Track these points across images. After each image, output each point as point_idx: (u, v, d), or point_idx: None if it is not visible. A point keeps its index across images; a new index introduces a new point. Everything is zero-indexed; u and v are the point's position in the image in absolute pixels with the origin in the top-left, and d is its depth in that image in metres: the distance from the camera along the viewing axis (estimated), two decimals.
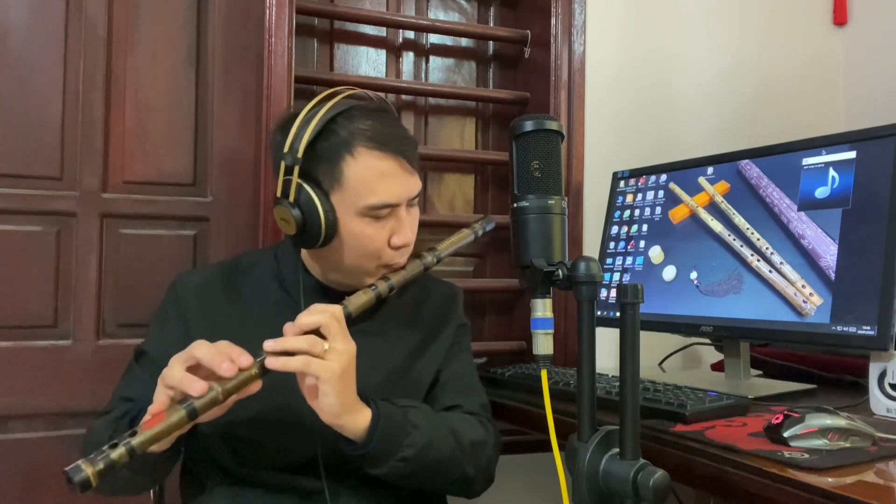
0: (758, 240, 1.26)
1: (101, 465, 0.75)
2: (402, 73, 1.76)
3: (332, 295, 1.05)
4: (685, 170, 1.43)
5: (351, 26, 1.70)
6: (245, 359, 0.85)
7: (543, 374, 0.80)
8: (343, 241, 1.01)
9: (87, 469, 0.75)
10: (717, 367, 1.54)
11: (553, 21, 1.71)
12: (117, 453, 0.77)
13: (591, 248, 1.67)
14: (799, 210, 1.21)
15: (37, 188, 1.42)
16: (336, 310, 0.91)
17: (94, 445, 0.93)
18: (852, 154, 1.16)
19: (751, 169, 1.31)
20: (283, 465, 1.03)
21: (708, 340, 1.54)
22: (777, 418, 0.92)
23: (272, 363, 0.86)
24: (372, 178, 0.99)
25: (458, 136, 1.81)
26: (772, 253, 1.24)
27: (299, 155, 0.97)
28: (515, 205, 0.85)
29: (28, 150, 1.42)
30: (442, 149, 1.77)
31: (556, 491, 0.77)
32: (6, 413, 1.39)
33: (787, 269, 1.21)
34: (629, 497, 0.73)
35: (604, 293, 1.51)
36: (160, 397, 0.84)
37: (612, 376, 1.24)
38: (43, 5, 1.43)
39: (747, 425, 1.00)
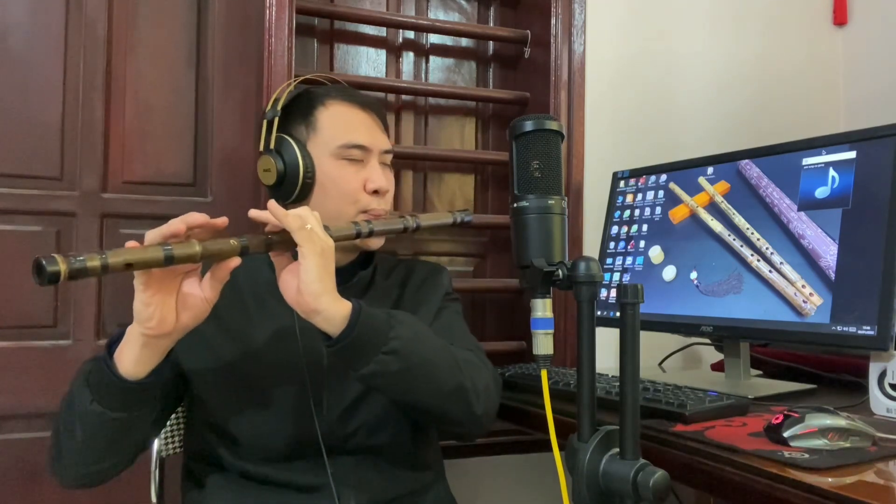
0: (758, 240, 1.26)
1: (76, 265, 0.74)
2: (402, 73, 1.76)
3: None
4: (685, 170, 1.43)
5: (351, 26, 1.70)
6: (222, 219, 0.87)
7: (543, 374, 0.80)
8: (321, 186, 1.08)
9: (62, 265, 0.73)
10: (717, 367, 1.54)
11: (553, 21, 1.71)
12: (92, 262, 0.75)
13: (591, 248, 1.67)
14: (799, 210, 1.21)
15: (37, 188, 1.42)
16: (315, 212, 0.92)
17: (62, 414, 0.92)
18: (852, 154, 1.16)
19: (751, 169, 1.31)
20: (282, 454, 1.03)
21: (708, 340, 1.54)
22: (777, 418, 0.92)
23: (269, 212, 0.88)
24: (343, 122, 1.11)
25: (457, 136, 1.81)
26: (772, 253, 1.24)
27: (279, 108, 1.09)
28: (515, 205, 0.85)
29: (28, 150, 1.42)
30: (442, 149, 1.77)
31: (556, 491, 0.77)
32: (6, 413, 1.39)
33: (787, 269, 1.21)
34: (629, 497, 0.73)
35: (604, 293, 1.51)
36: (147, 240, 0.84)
37: (612, 376, 1.24)
38: (43, 5, 1.43)
39: (747, 425, 1.00)
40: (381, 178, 1.10)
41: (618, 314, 0.76)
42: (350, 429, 1.05)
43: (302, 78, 1.19)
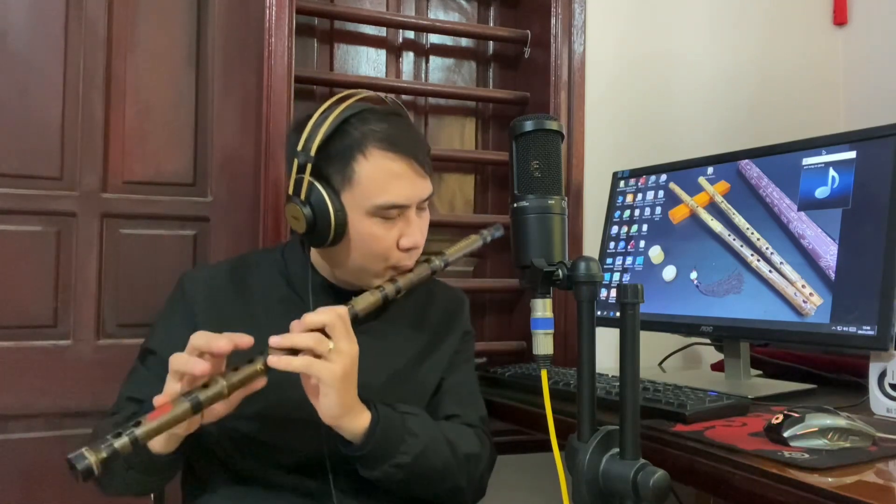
0: (758, 240, 1.26)
1: (104, 454, 0.75)
2: (402, 73, 1.76)
3: (340, 294, 1.06)
4: (685, 170, 1.43)
5: (351, 26, 1.70)
6: (245, 340, 0.86)
7: (543, 374, 0.80)
8: (352, 240, 1.02)
9: (91, 457, 0.74)
10: (717, 367, 1.54)
11: (553, 21, 1.71)
12: (121, 443, 0.76)
13: (591, 248, 1.67)
14: (799, 210, 1.21)
15: (37, 188, 1.42)
16: (342, 310, 0.91)
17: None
18: (852, 154, 1.16)
19: (751, 169, 1.31)
20: (286, 463, 1.03)
21: (708, 340, 1.54)
22: (777, 418, 0.92)
23: (275, 362, 0.86)
24: (383, 178, 1.00)
25: (458, 136, 1.81)
26: (772, 253, 1.24)
27: (312, 153, 0.99)
28: (515, 205, 0.85)
29: (28, 150, 1.42)
30: (442, 149, 1.77)
31: (556, 491, 0.77)
32: (6, 413, 1.39)
33: (787, 269, 1.21)
34: (629, 497, 0.73)
35: (604, 293, 1.51)
36: (170, 388, 0.85)
37: (612, 376, 1.24)
38: (43, 5, 1.43)
39: (747, 425, 1.00)
40: (417, 233, 1.04)
41: (618, 314, 0.76)
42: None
43: (340, 97, 1.04)
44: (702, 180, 1.38)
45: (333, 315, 0.89)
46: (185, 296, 1.08)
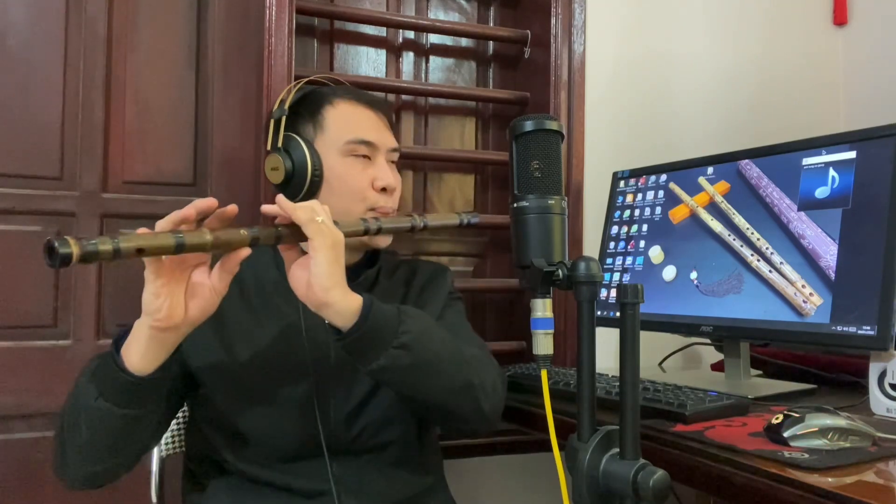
0: (758, 240, 1.26)
1: (88, 248, 0.73)
2: (402, 73, 1.76)
3: None
4: (685, 170, 1.43)
5: (351, 26, 1.70)
6: (231, 207, 0.86)
7: (543, 374, 0.80)
8: (328, 184, 1.09)
9: (73, 246, 0.72)
10: (717, 367, 1.54)
11: (553, 21, 1.71)
12: (104, 245, 0.74)
13: (591, 248, 1.67)
14: (799, 210, 1.21)
15: (37, 188, 1.42)
16: (325, 206, 0.92)
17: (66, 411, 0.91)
18: (852, 154, 1.16)
19: (751, 169, 1.31)
20: (286, 455, 1.03)
21: (708, 340, 1.54)
22: (777, 418, 0.92)
23: (278, 206, 0.88)
24: (350, 119, 1.11)
25: (458, 136, 1.81)
26: (772, 253, 1.24)
27: (286, 107, 1.11)
28: (515, 205, 0.85)
29: (28, 150, 1.42)
30: (442, 149, 1.77)
31: (556, 491, 0.77)
32: (6, 413, 1.39)
33: (787, 269, 1.21)
34: (629, 497, 0.73)
35: (604, 293, 1.51)
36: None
37: (612, 376, 1.24)
38: (43, 5, 1.43)
39: (747, 425, 1.00)
40: (389, 175, 1.11)
41: (618, 314, 0.76)
42: (356, 429, 1.05)
43: (307, 79, 1.19)
44: (702, 180, 1.38)
45: (315, 203, 0.90)
46: None
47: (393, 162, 1.15)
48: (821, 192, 1.19)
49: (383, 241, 1.11)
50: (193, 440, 1.12)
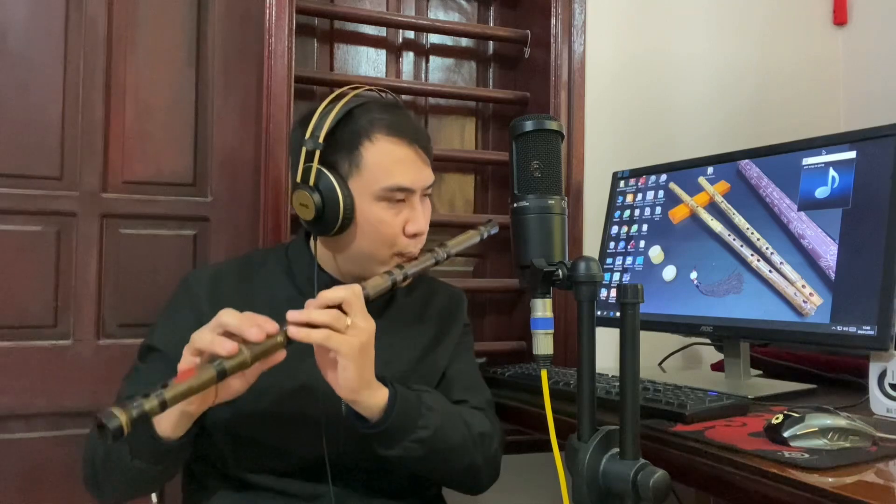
0: (758, 240, 1.26)
1: (134, 413, 0.73)
2: (402, 73, 1.76)
3: None
4: (685, 170, 1.43)
5: (351, 26, 1.70)
6: (271, 325, 0.85)
7: (543, 374, 0.80)
8: (359, 226, 1.04)
9: (121, 416, 0.72)
10: (717, 367, 1.54)
11: (553, 21, 1.71)
12: (150, 404, 0.75)
13: (591, 248, 1.67)
14: (799, 210, 1.21)
15: (37, 188, 1.42)
16: (356, 288, 0.92)
17: (98, 446, 0.94)
18: (852, 154, 1.16)
19: (751, 169, 1.31)
20: (285, 468, 1.03)
21: (708, 340, 1.54)
22: (777, 418, 0.92)
23: (295, 333, 0.86)
24: (389, 162, 1.04)
25: (458, 136, 1.81)
26: (772, 253, 1.24)
27: (321, 140, 1.02)
28: (515, 205, 0.85)
29: (28, 150, 1.42)
30: (442, 149, 1.77)
31: (556, 491, 0.77)
32: (6, 413, 1.39)
33: (787, 269, 1.21)
34: (629, 497, 0.73)
35: (604, 293, 1.51)
36: (185, 365, 0.84)
37: (612, 376, 1.24)
38: (43, 5, 1.43)
39: (747, 425, 1.00)
40: (422, 219, 1.07)
41: (618, 314, 0.76)
42: (363, 454, 1.03)
43: (341, 91, 1.08)
44: (702, 180, 1.38)
45: (349, 292, 0.90)
46: (191, 294, 1.08)
47: (427, 196, 1.11)
48: (821, 192, 1.19)
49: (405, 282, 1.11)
50: (196, 441, 1.11)
